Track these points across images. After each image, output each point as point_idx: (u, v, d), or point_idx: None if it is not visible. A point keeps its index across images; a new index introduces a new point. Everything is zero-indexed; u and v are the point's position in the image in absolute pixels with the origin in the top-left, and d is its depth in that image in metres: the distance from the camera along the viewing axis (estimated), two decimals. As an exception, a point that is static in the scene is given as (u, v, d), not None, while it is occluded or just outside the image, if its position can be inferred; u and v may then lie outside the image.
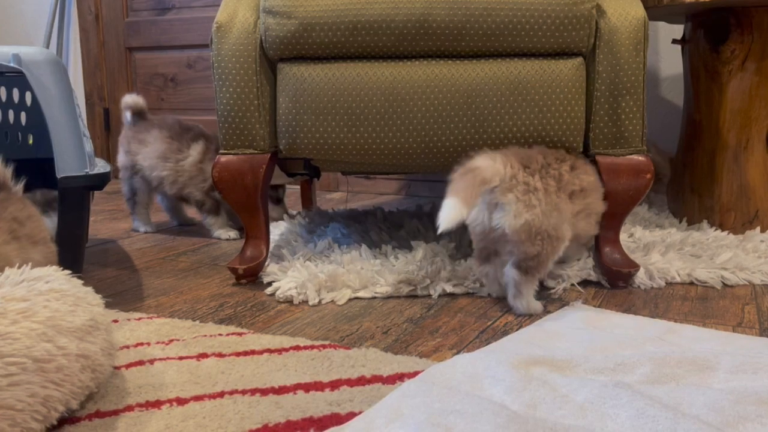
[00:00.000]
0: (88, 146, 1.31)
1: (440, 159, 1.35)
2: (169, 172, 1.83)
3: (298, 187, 2.34)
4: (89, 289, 0.87)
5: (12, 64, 1.12)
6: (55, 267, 0.86)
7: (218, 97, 1.34)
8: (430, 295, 1.29)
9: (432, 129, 1.31)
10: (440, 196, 2.45)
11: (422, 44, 1.29)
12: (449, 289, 1.30)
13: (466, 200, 1.10)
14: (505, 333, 1.09)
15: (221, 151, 1.36)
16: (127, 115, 1.93)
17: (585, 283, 1.36)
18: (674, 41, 1.82)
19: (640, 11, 1.29)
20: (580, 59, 1.31)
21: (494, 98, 1.30)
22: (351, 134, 1.31)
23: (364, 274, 1.33)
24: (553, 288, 1.30)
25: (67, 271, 0.87)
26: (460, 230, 1.67)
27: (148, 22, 2.92)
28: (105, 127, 3.07)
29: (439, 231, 1.07)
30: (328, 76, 1.30)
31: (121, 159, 1.91)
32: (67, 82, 1.22)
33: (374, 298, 1.29)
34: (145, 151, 1.84)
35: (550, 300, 1.26)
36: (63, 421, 0.78)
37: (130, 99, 1.90)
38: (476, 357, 0.89)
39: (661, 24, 2.23)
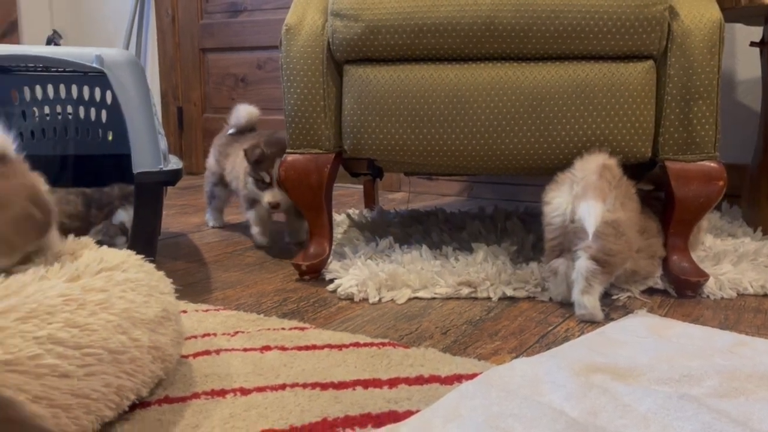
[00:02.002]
0: (163, 143, 1.37)
1: (503, 162, 1.34)
2: (246, 192, 1.81)
3: (361, 186, 2.37)
4: (161, 274, 0.91)
5: (95, 65, 1.18)
6: (129, 253, 0.90)
7: (286, 97, 1.37)
8: (489, 298, 1.29)
9: (495, 131, 1.31)
10: (502, 198, 2.43)
11: (487, 46, 1.29)
12: (510, 292, 1.29)
13: (603, 198, 1.17)
14: (566, 339, 1.08)
15: (288, 151, 1.40)
16: (235, 124, 1.88)
17: (651, 291, 1.32)
18: (752, 44, 1.75)
19: (715, 13, 1.25)
20: (650, 62, 1.28)
21: (560, 101, 1.28)
22: (414, 135, 1.32)
23: (424, 274, 1.34)
24: (617, 295, 1.28)
25: (141, 256, 0.91)
26: (522, 234, 1.66)
27: (221, 24, 3.02)
28: (178, 126, 3.19)
29: (592, 232, 1.14)
30: (393, 78, 1.32)
31: (211, 162, 1.94)
32: (144, 82, 1.28)
33: (434, 298, 1.29)
34: (230, 165, 1.84)
35: (613, 308, 1.23)
36: (134, 405, 0.82)
37: (245, 111, 1.87)
38: (536, 361, 0.88)
39: (739, 26, 2.14)
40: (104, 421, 0.73)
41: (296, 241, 1.78)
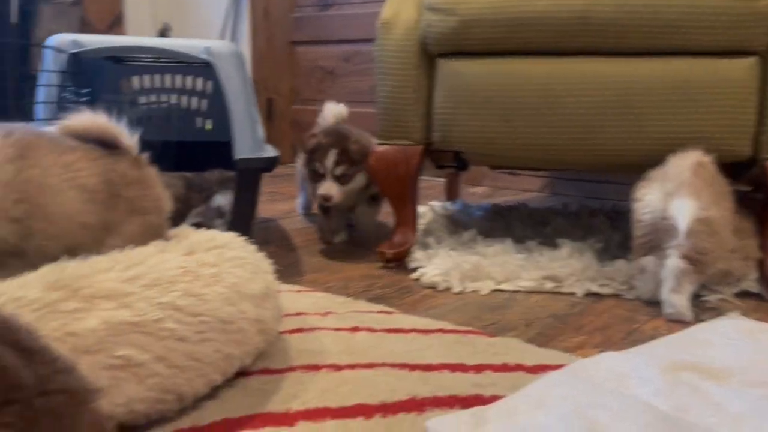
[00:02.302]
0: (261, 132, 1.44)
1: (593, 157, 1.33)
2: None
3: (443, 180, 2.39)
4: (262, 255, 0.97)
5: (204, 56, 1.26)
6: (235, 234, 0.97)
7: (379, 90, 1.41)
8: (574, 293, 1.29)
9: (586, 127, 1.30)
10: (585, 196, 2.39)
11: (581, 41, 1.29)
12: (595, 288, 1.29)
13: (697, 196, 1.15)
14: (653, 337, 1.07)
15: (378, 141, 1.44)
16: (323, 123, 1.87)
17: (744, 294, 1.28)
18: None
19: (827, 8, 1.20)
20: (755, 59, 1.24)
21: (654, 97, 1.26)
22: (504, 129, 1.34)
23: (508, 266, 1.35)
24: (708, 296, 1.25)
25: (243, 238, 0.98)
26: (608, 231, 1.64)
27: (311, 17, 3.10)
28: (267, 116, 3.30)
29: (684, 229, 1.13)
30: (484, 72, 1.34)
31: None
32: (245, 73, 1.35)
33: (517, 291, 1.31)
34: None
35: (703, 309, 1.21)
36: (237, 374, 0.88)
37: (331, 111, 1.82)
38: (623, 356, 0.89)
39: None
40: (212, 385, 0.80)
41: (363, 229, 1.74)
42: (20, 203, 0.83)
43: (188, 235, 0.96)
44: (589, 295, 1.29)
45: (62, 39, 1.33)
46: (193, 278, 0.79)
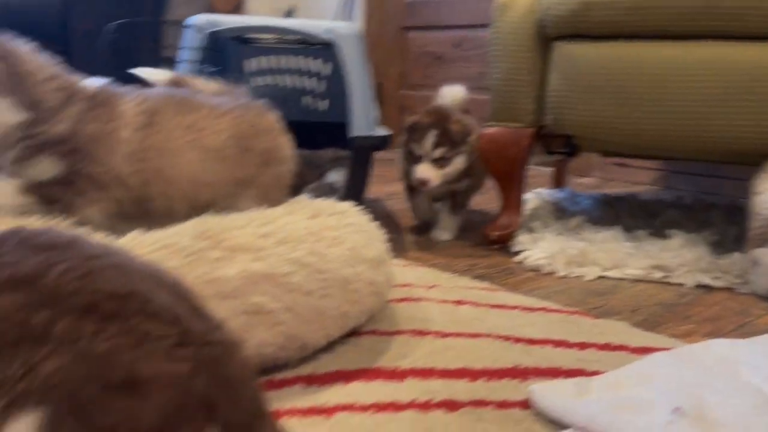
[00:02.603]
0: (375, 112, 1.50)
1: (710, 146, 1.29)
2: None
3: (549, 169, 2.37)
4: (376, 225, 1.03)
5: (326, 36, 1.33)
6: (352, 204, 1.03)
7: (492, 71, 1.43)
8: (683, 284, 1.26)
9: (705, 113, 1.26)
10: (701, 191, 2.29)
11: (704, 24, 1.25)
12: (707, 280, 1.26)
13: None
14: (767, 332, 1.04)
15: (488, 123, 1.46)
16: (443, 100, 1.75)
17: None
18: None
19: None
20: None
21: (783, 84, 1.21)
22: (619, 113, 1.32)
23: (615, 254, 1.34)
24: (832, 295, 1.19)
25: (360, 208, 1.04)
26: (724, 225, 1.58)
27: (424, 3, 3.14)
28: (376, 101, 3.38)
29: None
30: (602, 55, 1.33)
31: None
32: (364, 55, 1.41)
33: (623, 279, 1.29)
34: None
35: (826, 307, 1.15)
36: (350, 333, 0.94)
37: (449, 93, 1.66)
38: (734, 343, 0.87)
39: None
40: (330, 339, 0.86)
41: (440, 239, 1.56)
42: (140, 172, 0.89)
43: (311, 202, 1.03)
44: (700, 286, 1.26)
45: (200, 19, 1.44)
46: (317, 239, 0.86)
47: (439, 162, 1.45)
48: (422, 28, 3.18)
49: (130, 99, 0.93)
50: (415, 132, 1.45)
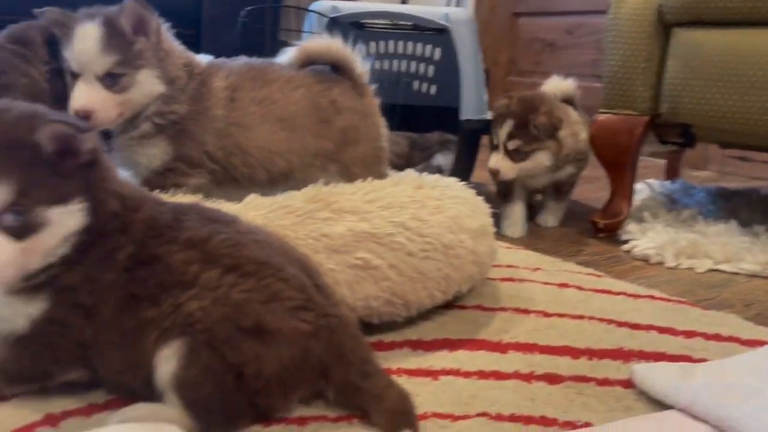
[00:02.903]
0: (485, 96, 1.52)
1: None
2: None
3: (662, 161, 2.29)
4: (481, 199, 1.07)
5: (442, 22, 1.36)
6: (456, 179, 1.08)
7: (608, 58, 1.42)
8: (804, 283, 1.21)
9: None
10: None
11: None
12: (830, 280, 1.20)
13: None
14: None
15: (600, 110, 1.45)
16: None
17: None
18: None
19: None
20: None
21: None
22: (741, 102, 1.27)
23: (730, 248, 1.30)
24: None
25: (464, 183, 1.08)
26: None
27: (536, -12, 3.09)
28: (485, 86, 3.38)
29: None
30: (724, 42, 1.28)
31: None
32: (476, 39, 1.44)
33: (737, 273, 1.25)
34: None
35: None
36: (454, 306, 0.98)
37: (553, 85, 1.55)
38: None
39: None
40: (434, 301, 0.91)
41: (545, 224, 1.53)
42: (224, 147, 0.97)
43: (417, 176, 1.09)
44: (823, 285, 1.20)
45: (323, 4, 1.52)
46: (420, 206, 0.92)
47: (513, 155, 1.36)
48: (533, 14, 3.14)
49: (219, 75, 0.99)
50: (498, 118, 1.38)
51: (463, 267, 0.93)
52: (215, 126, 0.97)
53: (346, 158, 1.06)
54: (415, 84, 2.09)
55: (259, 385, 0.65)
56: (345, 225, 0.85)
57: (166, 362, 0.64)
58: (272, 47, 2.40)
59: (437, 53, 2.02)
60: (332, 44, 1.07)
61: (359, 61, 1.08)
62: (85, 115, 0.87)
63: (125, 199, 0.70)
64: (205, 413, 0.64)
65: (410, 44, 2.05)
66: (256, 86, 1.01)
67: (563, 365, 0.82)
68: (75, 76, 0.89)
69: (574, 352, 0.85)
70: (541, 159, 1.38)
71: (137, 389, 0.68)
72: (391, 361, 0.81)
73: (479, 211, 1.02)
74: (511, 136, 1.35)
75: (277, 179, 1.02)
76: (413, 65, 2.09)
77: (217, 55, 1.07)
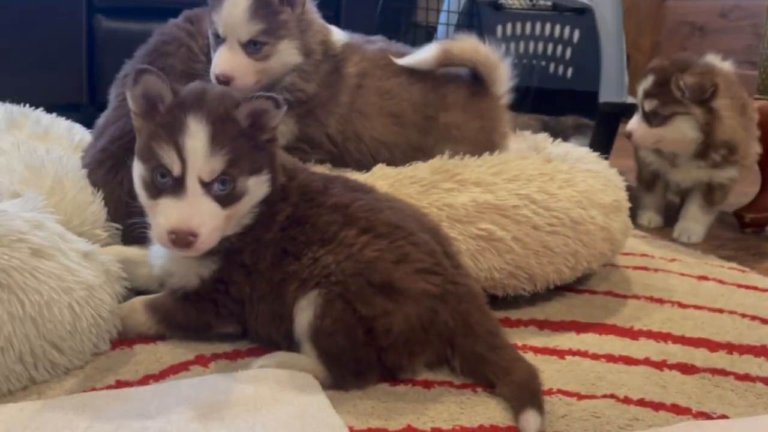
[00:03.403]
0: (626, 80, 1.46)
1: None
2: None
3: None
4: (615, 171, 1.04)
5: (585, 1, 1.32)
6: (589, 150, 1.05)
7: (765, 41, 1.32)
8: None
9: None
10: None
11: None
12: None
13: None
14: None
15: (756, 96, 1.35)
16: None
17: None
18: None
19: None
20: None
21: None
22: None
23: None
24: None
25: (597, 154, 1.05)
26: None
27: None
28: (621, 72, 3.23)
29: None
30: None
31: None
32: (621, 21, 1.38)
33: None
34: None
35: None
36: (582, 290, 0.97)
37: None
38: None
39: None
40: (562, 278, 0.90)
41: (684, 240, 1.29)
42: (343, 132, 0.98)
43: (546, 146, 1.07)
44: None
45: (463, -16, 1.52)
46: (548, 179, 0.91)
47: (650, 117, 1.19)
48: (683, -5, 2.95)
49: (353, 60, 0.99)
50: (643, 75, 1.23)
51: (594, 244, 0.91)
52: (339, 111, 0.99)
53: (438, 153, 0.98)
54: (551, 66, 2.04)
55: (388, 342, 0.69)
56: (468, 196, 0.86)
57: (303, 312, 0.69)
58: (409, 28, 2.44)
59: (576, 35, 1.96)
60: (479, 48, 1.00)
61: (504, 68, 1.01)
62: (226, 80, 0.89)
63: (286, 169, 0.76)
64: (337, 364, 0.69)
65: (548, 25, 2.01)
66: (383, 76, 1.00)
67: (699, 357, 0.79)
68: (219, 41, 0.92)
69: (711, 345, 0.81)
70: (682, 128, 1.19)
71: (279, 341, 0.73)
72: (517, 338, 0.81)
73: (613, 185, 1.00)
74: (647, 94, 1.19)
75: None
76: (550, 47, 2.05)
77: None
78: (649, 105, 1.20)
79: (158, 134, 0.68)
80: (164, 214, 0.67)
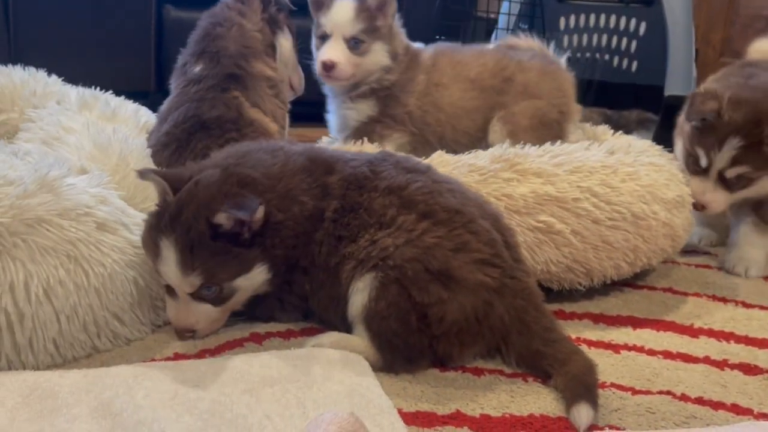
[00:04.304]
0: (694, 72, 1.41)
1: None
2: None
3: None
4: (678, 165, 1.00)
5: (654, -8, 1.28)
6: (652, 143, 1.03)
7: None
8: None
9: None
10: None
11: None
12: None
13: None
14: None
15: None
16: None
17: None
18: None
19: None
20: None
21: None
22: None
23: None
24: None
25: (660, 147, 1.03)
26: None
27: (765, -41, 2.77)
28: (689, 67, 3.11)
29: None
30: None
31: None
32: (690, 12, 1.34)
33: None
34: None
35: None
36: (640, 285, 0.94)
37: (758, 47, 1.29)
38: None
39: None
40: (619, 273, 0.88)
41: (736, 272, 1.02)
42: (422, 105, 1.13)
43: (607, 138, 1.07)
44: None
45: (526, -25, 1.50)
46: (611, 172, 0.88)
47: (734, 182, 0.97)
48: (760, -12, 2.82)
49: (427, 50, 1.17)
50: (707, 129, 0.95)
51: (654, 239, 0.89)
52: (418, 89, 1.13)
53: (518, 110, 1.13)
54: (615, 59, 1.99)
55: (441, 330, 0.68)
56: (528, 186, 0.85)
57: (358, 294, 0.70)
58: (469, 22, 2.42)
59: (642, 27, 1.90)
60: (530, 43, 1.20)
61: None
62: (330, 65, 1.08)
63: (322, 164, 0.77)
64: (389, 347, 0.69)
65: (613, 18, 1.96)
66: (454, 52, 1.18)
67: (763, 357, 0.76)
68: (324, 37, 1.10)
69: (777, 347, 0.78)
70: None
71: (337, 323, 0.74)
72: (571, 330, 0.80)
73: (677, 179, 0.96)
74: (735, 162, 0.94)
75: (459, 139, 1.14)
76: (614, 40, 2.00)
77: (416, 31, 1.21)
78: (734, 172, 0.95)
79: (146, 252, 0.73)
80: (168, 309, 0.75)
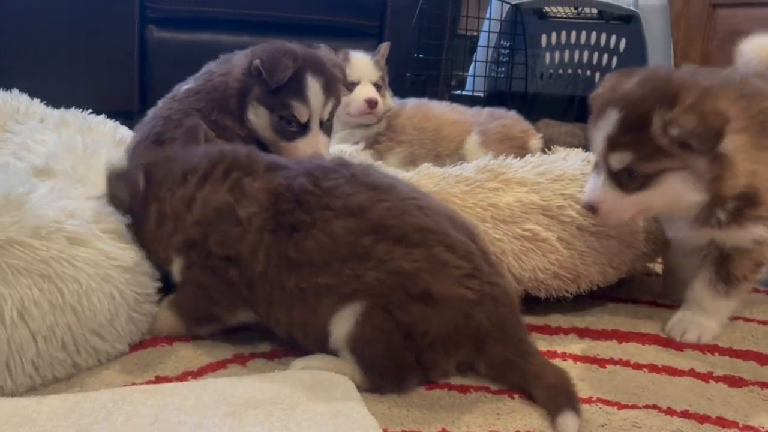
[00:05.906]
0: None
1: None
2: None
3: None
4: None
5: (631, 7, 1.30)
6: None
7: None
8: None
9: None
10: None
11: None
12: None
13: None
14: None
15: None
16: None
17: None
18: None
19: None
20: None
21: None
22: None
23: None
24: None
25: None
26: None
27: (740, -24, 2.83)
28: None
29: None
30: None
31: None
32: (668, 28, 1.36)
33: None
34: None
35: None
36: (625, 299, 0.94)
37: (754, 45, 1.07)
38: None
39: None
40: (606, 278, 0.88)
41: (684, 338, 0.83)
42: (417, 127, 1.37)
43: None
44: None
45: (505, -8, 1.52)
46: None
47: (624, 179, 0.76)
48: (735, 5, 2.87)
49: (409, 106, 1.42)
50: (594, 111, 0.80)
51: (637, 245, 0.90)
52: (409, 122, 1.42)
53: (490, 129, 1.37)
54: (597, 75, 2.01)
55: (425, 343, 0.68)
56: (513, 196, 0.86)
57: (343, 323, 0.68)
58: (450, 38, 2.42)
59: (622, 44, 1.93)
60: None
61: None
62: (374, 103, 1.31)
63: (229, 170, 0.77)
64: (376, 369, 0.68)
65: (593, 34, 1.99)
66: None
67: (747, 369, 0.76)
68: (353, 84, 1.32)
69: (760, 358, 0.78)
70: (678, 189, 0.75)
71: (307, 345, 0.73)
72: (557, 345, 0.80)
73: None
74: (613, 144, 0.74)
75: (442, 155, 1.37)
76: (595, 56, 2.02)
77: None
78: (617, 162, 0.75)
79: None
80: None
